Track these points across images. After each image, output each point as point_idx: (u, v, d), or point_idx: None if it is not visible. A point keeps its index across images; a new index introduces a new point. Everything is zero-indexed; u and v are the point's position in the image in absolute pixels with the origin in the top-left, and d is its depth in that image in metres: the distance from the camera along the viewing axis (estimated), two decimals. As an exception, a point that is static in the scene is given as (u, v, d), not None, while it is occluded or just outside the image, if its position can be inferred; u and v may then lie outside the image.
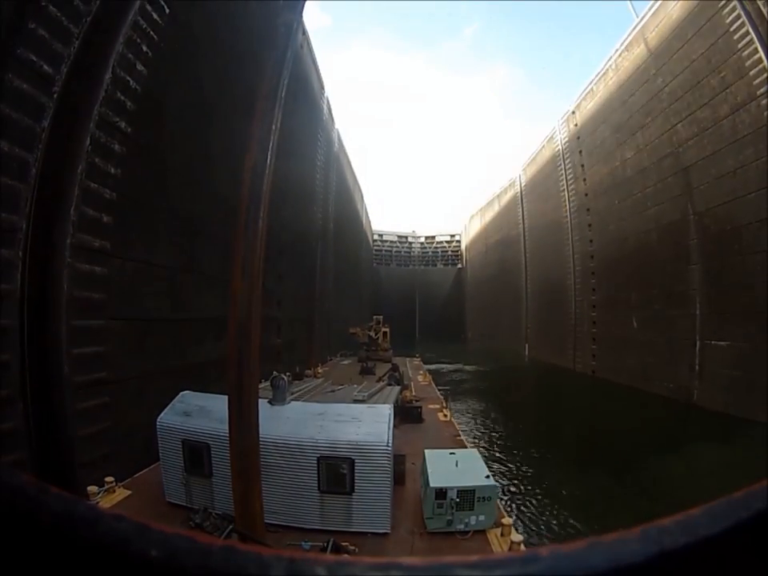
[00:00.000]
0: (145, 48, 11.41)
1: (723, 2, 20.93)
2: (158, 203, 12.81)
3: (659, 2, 26.69)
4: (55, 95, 9.08)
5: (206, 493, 7.92)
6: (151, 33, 11.58)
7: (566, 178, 40.89)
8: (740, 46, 20.13)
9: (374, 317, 38.16)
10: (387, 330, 36.15)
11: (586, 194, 37.25)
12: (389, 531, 7.41)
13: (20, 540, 0.39)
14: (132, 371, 11.06)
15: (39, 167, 8.81)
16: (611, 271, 33.23)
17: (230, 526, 6.66)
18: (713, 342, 22.20)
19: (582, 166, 37.81)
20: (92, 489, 8.24)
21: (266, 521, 6.59)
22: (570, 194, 40.11)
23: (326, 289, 35.91)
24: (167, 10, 12.10)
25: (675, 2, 24.86)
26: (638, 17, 29.98)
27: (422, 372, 29.08)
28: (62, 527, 0.39)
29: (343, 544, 6.70)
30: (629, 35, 30.52)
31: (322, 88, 35.45)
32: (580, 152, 38.11)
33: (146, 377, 11.45)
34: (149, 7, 11.48)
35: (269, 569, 0.38)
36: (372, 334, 35.01)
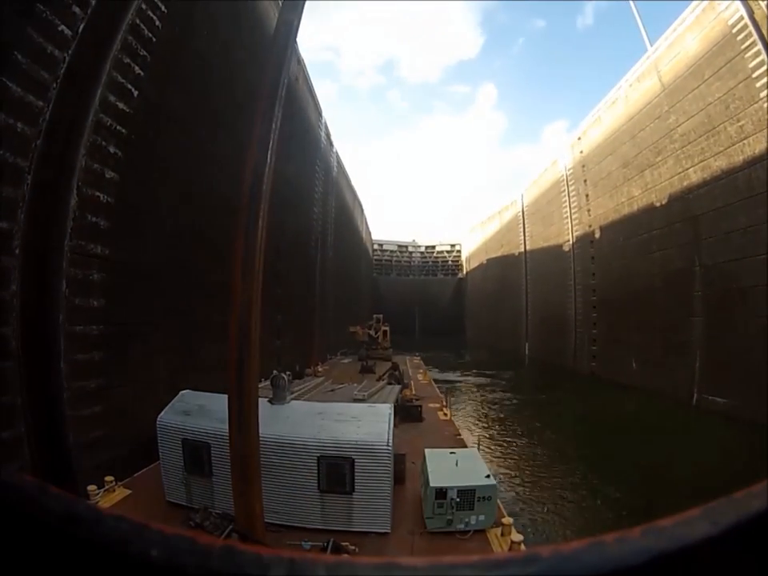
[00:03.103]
0: (117, 126, 10.36)
1: (746, 45, 19.47)
2: (152, 319, 12.17)
3: (675, 34, 25.02)
4: (17, 248, 8.30)
5: (206, 492, 7.92)
6: (122, 107, 10.59)
7: (569, 206, 40.05)
8: (762, 95, 18.65)
9: (374, 315, 38.17)
10: (387, 328, 36.18)
11: (590, 226, 36.39)
12: (389, 531, 7.41)
13: (20, 540, 0.39)
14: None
15: (19, 339, 8.33)
16: (613, 309, 32.43)
17: (230, 526, 6.66)
18: (710, 397, 21.61)
19: (587, 196, 36.88)
20: (92, 488, 8.25)
21: (266, 520, 6.60)
22: (574, 223, 39.33)
23: (326, 321, 35.78)
24: (135, 93, 11.04)
25: (693, 36, 23.29)
26: (651, 46, 28.30)
27: (421, 371, 29.10)
28: (62, 527, 0.39)
29: (343, 544, 6.71)
30: (641, 65, 28.92)
31: (320, 115, 35.56)
32: (585, 181, 37.17)
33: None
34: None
35: (269, 569, 0.38)
36: (372, 332, 35.03)
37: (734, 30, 20.22)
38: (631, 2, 35.91)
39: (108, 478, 8.63)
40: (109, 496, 8.41)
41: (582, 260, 37.79)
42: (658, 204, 27.11)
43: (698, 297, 23.27)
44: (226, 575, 0.37)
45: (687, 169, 24.14)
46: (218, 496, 7.73)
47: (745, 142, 20.00)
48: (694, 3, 23.22)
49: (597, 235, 35.46)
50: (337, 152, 43.17)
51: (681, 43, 24.47)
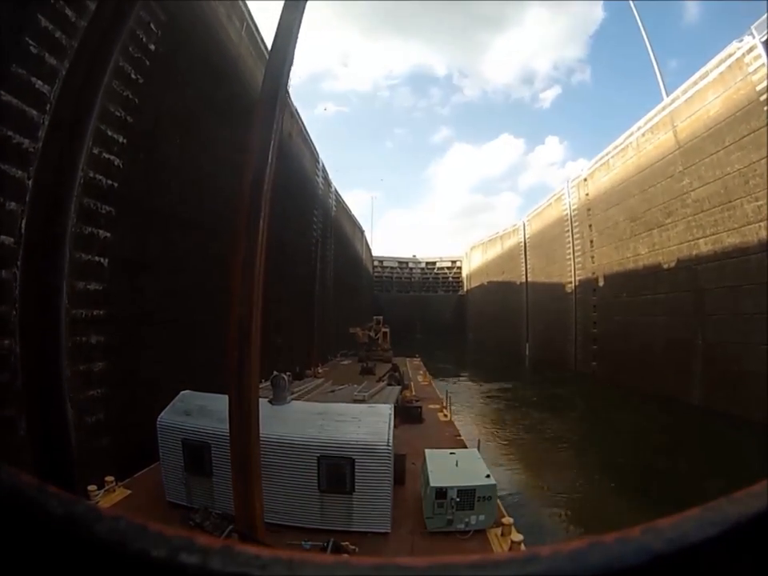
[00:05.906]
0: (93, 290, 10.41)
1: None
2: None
3: (696, 88, 23.06)
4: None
5: (207, 492, 7.92)
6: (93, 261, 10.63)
7: (573, 248, 39.52)
8: (786, 180, 17.05)
9: (374, 317, 38.20)
10: (387, 330, 36.20)
11: (593, 273, 35.65)
12: (389, 531, 7.41)
13: (20, 540, 0.39)
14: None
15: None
16: (613, 362, 31.64)
17: (230, 526, 6.66)
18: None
19: (591, 242, 36.24)
20: (92, 488, 8.25)
21: (266, 520, 6.59)
22: (577, 266, 38.77)
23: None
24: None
25: (715, 94, 21.27)
26: (668, 96, 26.68)
27: (421, 372, 29.08)
28: (62, 527, 0.39)
29: (343, 544, 6.70)
30: (655, 115, 27.30)
31: (316, 160, 35.69)
32: (590, 226, 36.45)
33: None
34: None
35: (268, 569, 0.38)
36: (372, 334, 35.06)
37: (762, 98, 18.45)
38: (648, 47, 35.13)
39: (108, 478, 8.63)
40: (109, 496, 8.41)
41: (584, 307, 37.16)
42: (665, 267, 25.98)
43: (698, 373, 22.24)
44: (226, 575, 0.37)
45: (698, 238, 22.79)
46: (218, 496, 7.73)
47: (761, 224, 18.56)
48: (719, 57, 21.43)
49: (600, 284, 34.76)
50: (336, 190, 43.47)
51: (701, 100, 22.52)
